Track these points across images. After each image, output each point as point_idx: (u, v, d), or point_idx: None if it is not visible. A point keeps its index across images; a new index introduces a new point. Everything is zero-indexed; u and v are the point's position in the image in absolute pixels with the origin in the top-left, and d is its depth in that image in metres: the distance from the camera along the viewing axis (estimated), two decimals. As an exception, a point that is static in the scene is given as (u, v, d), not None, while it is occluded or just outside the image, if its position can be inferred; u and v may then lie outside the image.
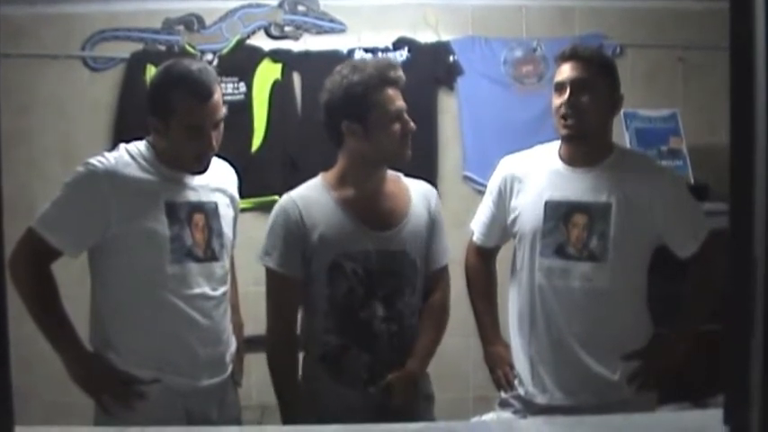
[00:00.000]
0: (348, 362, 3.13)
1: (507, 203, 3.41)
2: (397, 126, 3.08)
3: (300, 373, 3.24)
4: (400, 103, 3.10)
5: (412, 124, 3.11)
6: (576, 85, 3.20)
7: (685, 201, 3.28)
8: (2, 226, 1.45)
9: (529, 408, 3.29)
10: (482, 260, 3.61)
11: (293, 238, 3.11)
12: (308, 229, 3.10)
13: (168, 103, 3.02)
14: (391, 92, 3.08)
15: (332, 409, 3.10)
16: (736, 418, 1.58)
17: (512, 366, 3.41)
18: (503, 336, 3.54)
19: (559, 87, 3.25)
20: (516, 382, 3.38)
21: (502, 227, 3.47)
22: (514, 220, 3.38)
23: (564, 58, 3.28)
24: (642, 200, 3.17)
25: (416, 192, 3.31)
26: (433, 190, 3.40)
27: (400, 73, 3.12)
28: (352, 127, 3.07)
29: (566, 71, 3.25)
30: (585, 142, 3.25)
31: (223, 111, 3.08)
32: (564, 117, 3.22)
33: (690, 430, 2.24)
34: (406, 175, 3.34)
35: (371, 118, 3.05)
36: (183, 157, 3.07)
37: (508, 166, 3.47)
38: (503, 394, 3.45)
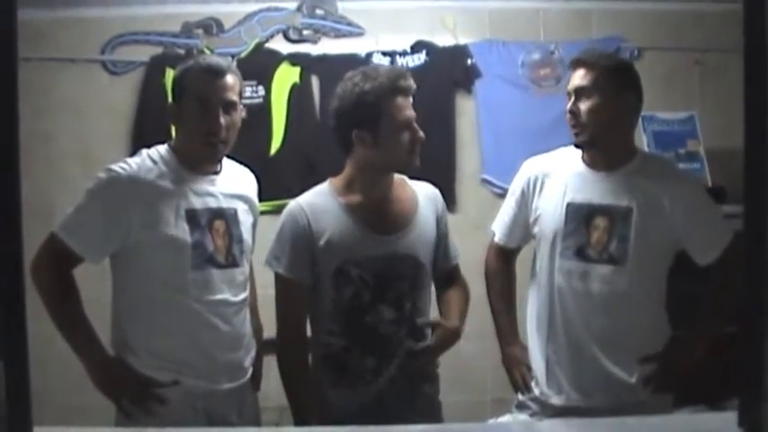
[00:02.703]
0: (351, 363, 3.15)
1: (530, 204, 3.42)
2: (406, 135, 3.09)
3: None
4: (410, 112, 3.11)
5: (421, 133, 3.11)
6: (578, 93, 3.23)
7: (706, 208, 3.28)
8: (21, 228, 1.46)
9: (545, 409, 3.29)
10: (503, 261, 3.61)
11: (301, 244, 3.13)
12: (315, 235, 3.11)
13: (183, 81, 3.12)
14: (401, 101, 3.09)
15: (335, 409, 3.14)
16: (750, 420, 1.58)
17: (529, 368, 3.41)
18: (521, 337, 3.54)
19: (568, 96, 3.28)
20: (533, 383, 3.39)
21: (524, 227, 3.48)
22: (536, 221, 3.39)
23: (572, 65, 3.31)
24: (663, 205, 3.17)
25: (423, 195, 3.32)
26: (438, 192, 3.41)
27: (411, 82, 3.13)
28: (361, 135, 3.08)
29: (573, 79, 3.28)
30: (597, 148, 3.26)
31: (235, 97, 3.10)
32: (571, 125, 3.25)
33: (704, 433, 2.24)
34: (420, 178, 3.35)
35: (381, 127, 3.07)
36: (193, 139, 3.08)
37: (532, 167, 3.47)
38: (520, 396, 3.45)
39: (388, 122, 3.06)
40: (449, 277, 3.41)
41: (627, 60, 3.79)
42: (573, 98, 3.24)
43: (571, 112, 3.24)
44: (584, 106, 3.20)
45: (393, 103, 3.07)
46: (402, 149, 3.10)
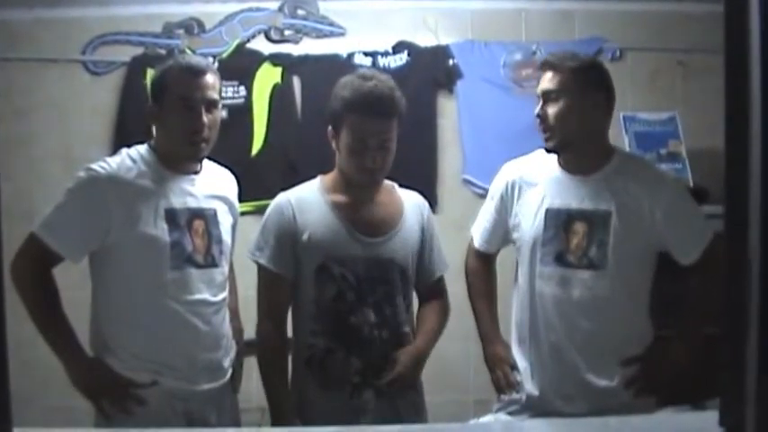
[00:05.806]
0: (334, 365, 3.13)
1: (509, 209, 3.40)
2: (358, 156, 3.07)
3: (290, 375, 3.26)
4: (372, 138, 3.04)
5: (376, 160, 3.07)
6: (546, 96, 3.18)
7: (687, 208, 3.24)
8: (0, 229, 1.45)
9: (527, 413, 3.28)
10: (482, 263, 3.59)
11: (285, 237, 3.13)
12: (299, 229, 3.12)
13: (163, 82, 3.12)
14: (362, 121, 3.04)
15: (319, 413, 3.12)
16: (731, 419, 1.58)
17: (513, 366, 3.38)
18: (504, 338, 3.53)
19: (537, 99, 3.24)
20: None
21: (504, 232, 3.46)
22: (515, 227, 3.37)
23: (541, 68, 3.27)
24: (642, 207, 3.14)
25: (409, 203, 3.32)
26: (426, 202, 3.41)
27: (386, 108, 3.06)
28: (332, 135, 3.14)
29: (541, 82, 3.23)
30: (568, 152, 3.23)
31: (216, 96, 3.11)
32: (541, 130, 3.21)
33: (686, 432, 2.24)
34: (403, 184, 3.35)
35: (341, 137, 3.09)
36: (176, 139, 3.09)
37: (510, 171, 3.44)
38: (502, 396, 3.43)
39: (345, 136, 3.08)
40: (431, 291, 3.41)
41: (594, 59, 3.63)
42: (541, 102, 3.20)
43: (539, 116, 3.19)
44: (551, 110, 3.15)
45: (350, 120, 3.06)
46: (350, 167, 3.12)
